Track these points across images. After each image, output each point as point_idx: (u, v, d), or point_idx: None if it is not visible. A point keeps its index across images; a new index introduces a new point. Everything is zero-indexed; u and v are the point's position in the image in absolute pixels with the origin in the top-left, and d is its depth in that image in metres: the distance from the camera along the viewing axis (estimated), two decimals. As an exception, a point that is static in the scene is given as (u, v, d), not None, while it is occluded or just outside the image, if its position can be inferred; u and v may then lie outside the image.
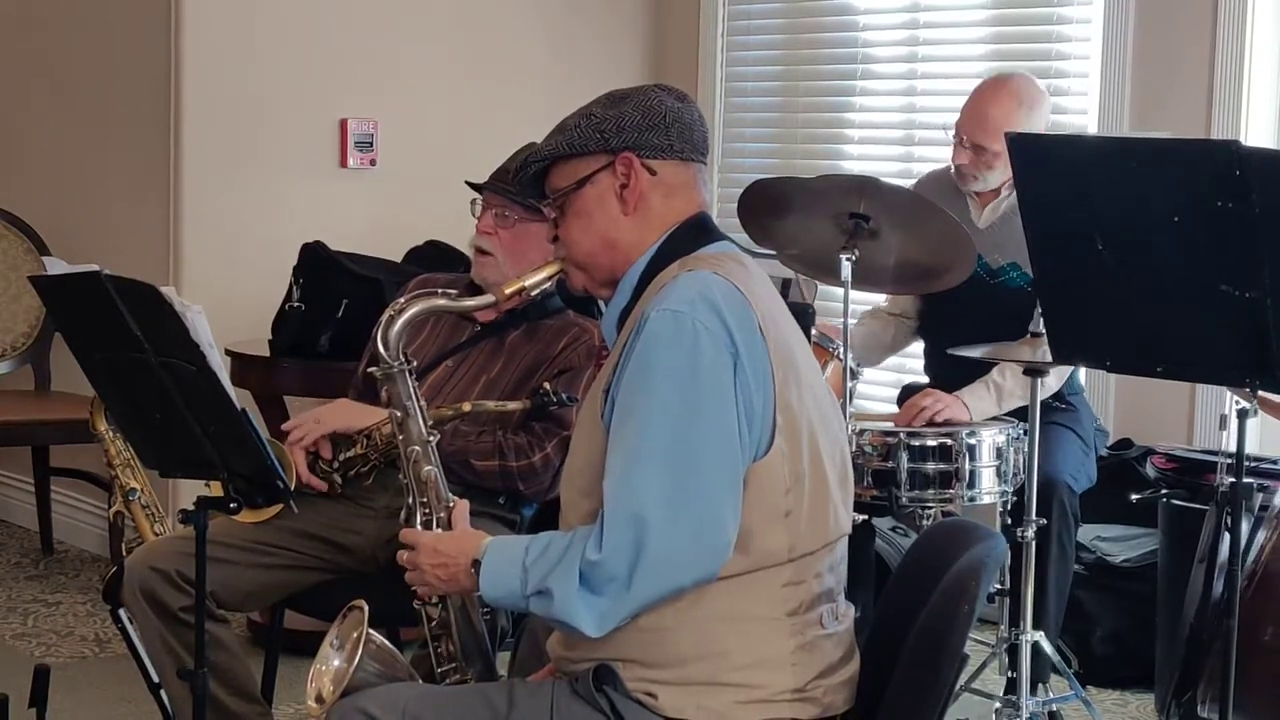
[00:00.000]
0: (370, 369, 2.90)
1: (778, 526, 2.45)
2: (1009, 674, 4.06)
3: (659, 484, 2.37)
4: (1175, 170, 2.62)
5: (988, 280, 4.39)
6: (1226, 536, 3.00)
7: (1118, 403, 5.04)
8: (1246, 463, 2.99)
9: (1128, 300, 2.75)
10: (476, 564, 2.53)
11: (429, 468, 2.78)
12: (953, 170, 4.46)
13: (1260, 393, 2.84)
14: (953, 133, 4.43)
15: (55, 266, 3.27)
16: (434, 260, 5.08)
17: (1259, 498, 3.35)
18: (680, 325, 2.41)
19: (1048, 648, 4.02)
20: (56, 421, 5.49)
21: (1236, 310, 2.61)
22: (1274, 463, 4.24)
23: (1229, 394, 2.98)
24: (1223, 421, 2.97)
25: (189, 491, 3.09)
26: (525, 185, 2.70)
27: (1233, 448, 2.84)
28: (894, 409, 4.69)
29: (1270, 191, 2.52)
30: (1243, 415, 2.79)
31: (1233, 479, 2.80)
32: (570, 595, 2.40)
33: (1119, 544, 4.84)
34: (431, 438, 2.82)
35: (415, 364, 2.84)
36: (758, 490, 2.43)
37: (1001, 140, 4.23)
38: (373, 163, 5.65)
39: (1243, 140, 4.59)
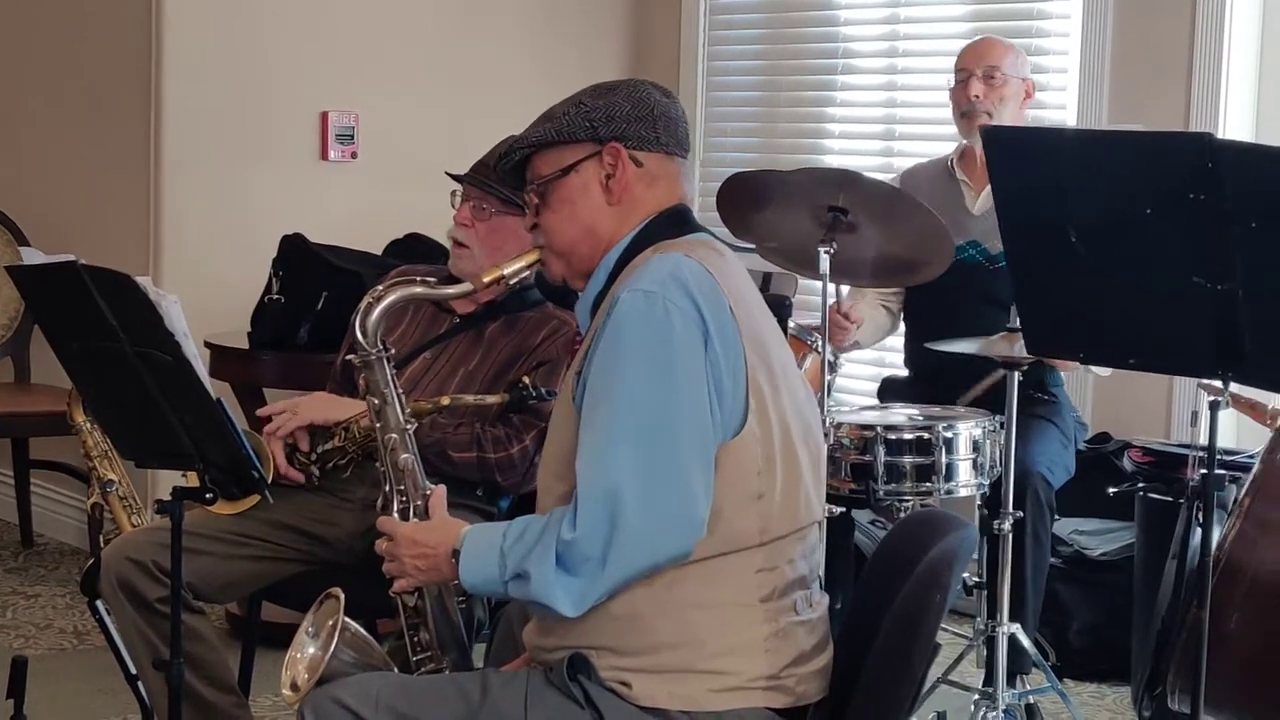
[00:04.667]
0: (349, 356, 2.91)
1: (749, 508, 2.46)
2: (986, 666, 4.07)
3: (632, 461, 2.38)
4: (1148, 163, 2.63)
5: (987, 266, 4.41)
6: (1198, 530, 3.01)
7: (1096, 397, 5.05)
8: (1220, 456, 3.01)
9: (1101, 292, 2.75)
10: (456, 553, 2.54)
11: (406, 455, 2.78)
12: (955, 116, 4.51)
13: (1233, 390, 2.86)
14: (952, 81, 4.53)
15: (32, 257, 3.27)
16: (414, 253, 5.08)
17: (1232, 490, 3.36)
18: (651, 305, 2.42)
19: (1024, 640, 4.03)
20: (36, 414, 5.48)
21: (1209, 302, 2.62)
22: (1249, 456, 4.25)
23: (1201, 390, 2.99)
24: (1194, 418, 2.98)
25: (167, 483, 3.09)
26: (507, 172, 2.70)
27: (1205, 441, 2.85)
28: (874, 402, 4.71)
29: (1242, 184, 2.52)
30: (1214, 407, 2.80)
31: (1204, 472, 2.81)
32: (547, 576, 2.41)
33: (1096, 537, 4.85)
34: (409, 425, 2.82)
35: (393, 351, 2.85)
36: (729, 471, 2.44)
37: (1010, 60, 4.42)
38: (354, 155, 5.65)
39: (1221, 133, 4.62)
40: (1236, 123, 4.85)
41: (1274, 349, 2.62)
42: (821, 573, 3.65)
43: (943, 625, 4.47)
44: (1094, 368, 4.45)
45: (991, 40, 4.65)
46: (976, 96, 4.47)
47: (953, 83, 4.59)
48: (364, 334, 2.78)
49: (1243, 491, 3.31)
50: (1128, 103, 4.99)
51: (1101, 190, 2.68)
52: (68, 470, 5.73)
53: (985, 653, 4.09)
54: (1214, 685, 3.17)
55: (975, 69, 4.50)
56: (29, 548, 5.86)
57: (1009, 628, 3.97)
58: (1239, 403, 3.56)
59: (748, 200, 4.03)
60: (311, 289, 4.86)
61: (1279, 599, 3.19)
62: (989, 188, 4.39)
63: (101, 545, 3.66)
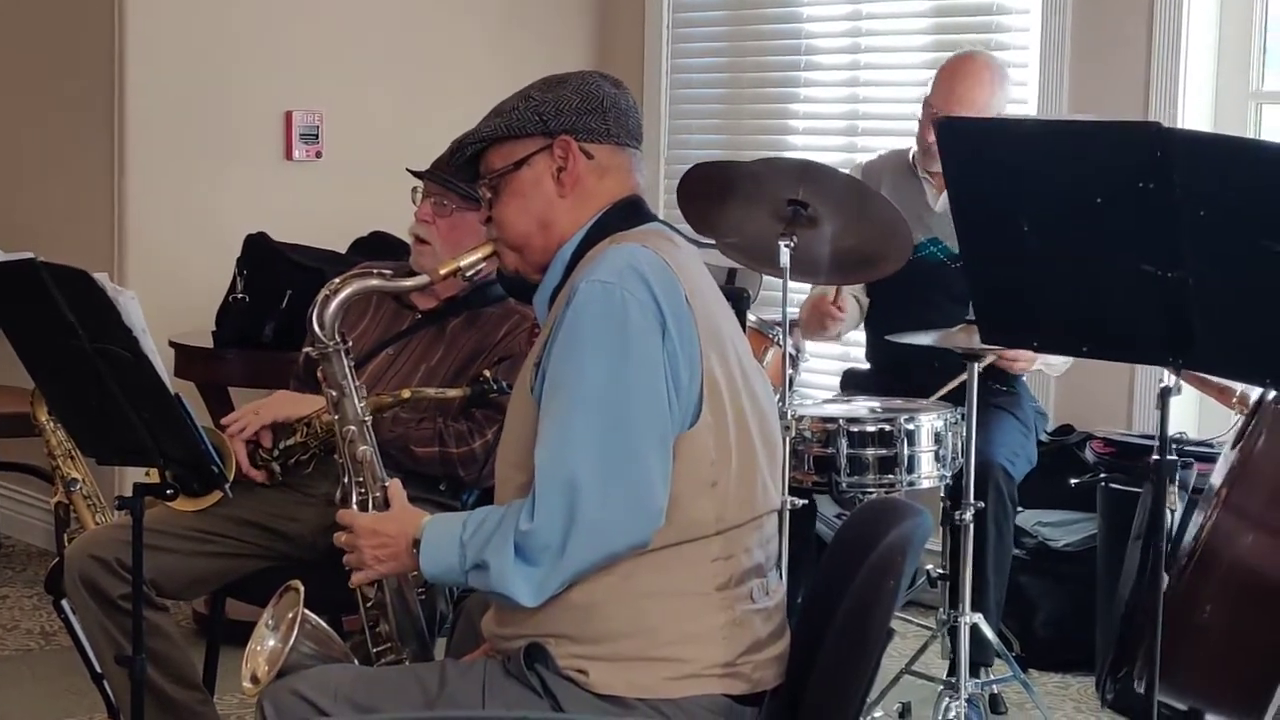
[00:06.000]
0: (307, 349, 2.91)
1: (704, 497, 2.48)
2: (950, 657, 4.10)
3: (590, 450, 2.40)
4: (1098, 152, 2.65)
5: (948, 264, 4.42)
6: (1169, 514, 3.03)
7: (1058, 388, 5.08)
8: (1184, 445, 3.05)
9: (1053, 281, 2.77)
10: (417, 543, 2.55)
11: (364, 447, 2.79)
12: (915, 152, 4.51)
13: (1202, 375, 2.88)
14: (920, 112, 4.49)
15: (-9, 255, 3.27)
16: (378, 250, 5.09)
17: (1190, 475, 3.39)
18: (609, 295, 2.44)
19: (987, 630, 4.05)
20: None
21: (1159, 290, 2.64)
22: (1210, 445, 4.28)
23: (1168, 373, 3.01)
24: (1162, 395, 2.99)
25: (132, 480, 3.10)
26: (461, 167, 2.72)
27: (1170, 428, 2.88)
28: (837, 394, 4.73)
29: (1191, 173, 2.55)
30: (1166, 393, 2.82)
31: (1156, 458, 2.83)
32: (506, 567, 2.42)
33: (1060, 529, 4.88)
34: (367, 418, 2.83)
35: (350, 344, 2.86)
36: (685, 461, 2.45)
37: (984, 101, 4.34)
38: (318, 155, 5.65)
39: (1180, 124, 4.65)
40: (1194, 114, 4.88)
41: (1223, 335, 2.65)
42: (784, 563, 3.72)
43: (906, 616, 4.58)
44: (1046, 370, 4.47)
45: (960, 83, 4.44)
46: (934, 143, 4.31)
47: (920, 109, 4.54)
48: (321, 326, 2.79)
49: (1220, 482, 3.32)
50: (1087, 95, 5.02)
51: (1053, 180, 2.70)
52: (32, 471, 5.70)
53: (949, 643, 4.11)
54: (1185, 674, 3.20)
55: (936, 111, 4.38)
56: (-4, 549, 5.86)
57: (971, 618, 4.00)
58: (1207, 386, 3.58)
59: (709, 193, 4.03)
60: (275, 287, 4.86)
61: (1253, 590, 3.20)
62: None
63: (66, 544, 3.67)
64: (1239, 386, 3.65)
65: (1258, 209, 2.52)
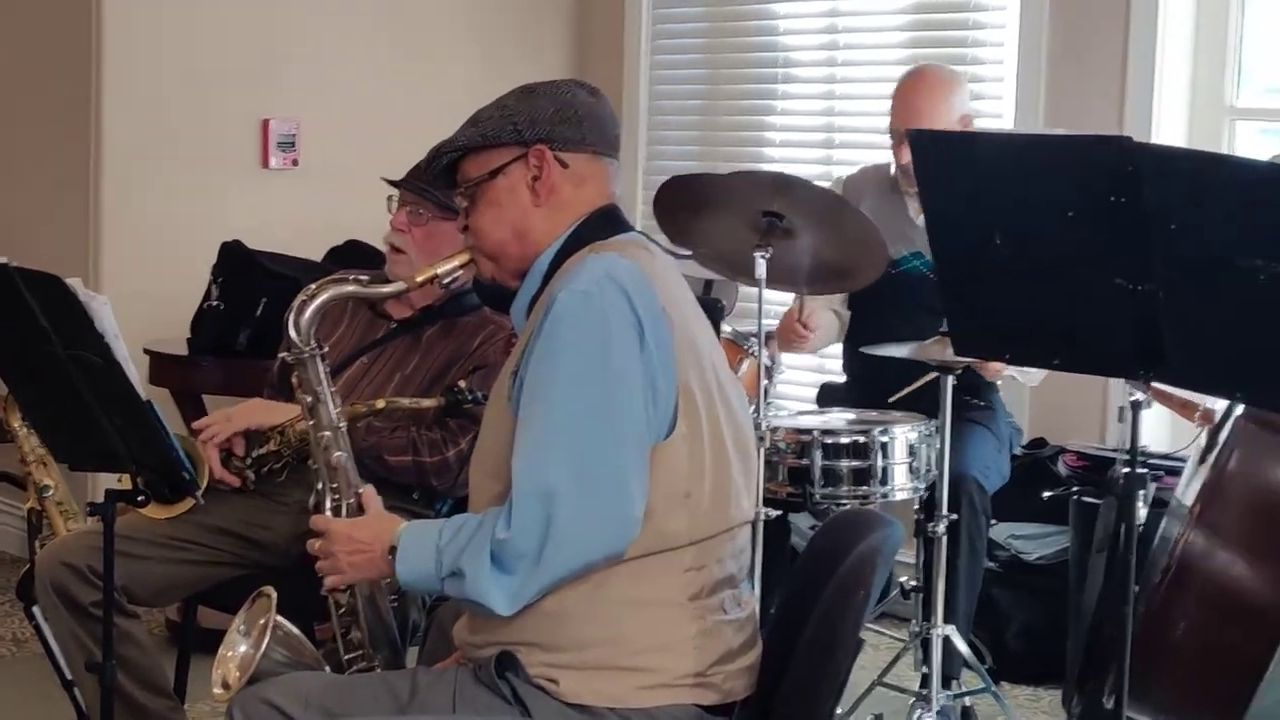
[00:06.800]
0: (282, 354, 2.92)
1: (678, 508, 2.48)
2: (922, 669, 4.11)
3: (567, 459, 2.40)
4: (1070, 166, 2.65)
5: (930, 277, 4.41)
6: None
7: (1032, 403, 5.09)
8: (1149, 459, 3.06)
9: (1025, 294, 2.78)
10: (393, 550, 2.55)
11: (339, 453, 2.79)
12: (896, 170, 4.52)
13: (1166, 388, 2.89)
14: (890, 137, 4.51)
15: (-36, 261, 3.26)
16: (354, 259, 5.08)
17: (1150, 489, 3.39)
18: (588, 304, 2.44)
19: (959, 642, 4.06)
20: (-28, 422, 5.45)
21: (1130, 303, 2.64)
22: (1180, 460, 4.29)
23: (1126, 388, 3.02)
24: (1121, 414, 3.00)
25: (105, 486, 3.10)
26: (437, 175, 2.72)
27: (1130, 442, 2.89)
28: (813, 407, 4.74)
29: (1162, 187, 2.55)
30: (1136, 406, 2.83)
31: (1126, 470, 2.84)
32: (481, 575, 2.42)
33: (1033, 542, 4.89)
34: (342, 423, 2.83)
35: (326, 350, 2.86)
36: (659, 471, 2.46)
37: (939, 113, 4.35)
38: (295, 163, 5.65)
39: (1155, 140, 4.68)
40: (1170, 129, 4.90)
41: (1193, 349, 2.66)
42: (757, 574, 3.73)
43: (879, 628, 4.59)
44: (1021, 377, 4.49)
45: (921, 94, 4.47)
46: (907, 163, 4.36)
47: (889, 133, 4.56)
48: (297, 331, 2.79)
49: (1192, 498, 3.33)
50: (1063, 110, 5.04)
51: (1025, 193, 2.70)
52: (5, 478, 5.68)
53: (921, 655, 4.12)
54: (1157, 690, 3.21)
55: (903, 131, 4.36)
56: (-33, 556, 5.84)
57: (944, 630, 4.01)
58: (1170, 400, 3.59)
59: (685, 204, 4.05)
60: (251, 295, 4.87)
61: (1227, 608, 3.20)
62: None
63: (38, 551, 3.66)
64: (1202, 401, 3.66)
65: (1228, 224, 2.53)
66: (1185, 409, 3.67)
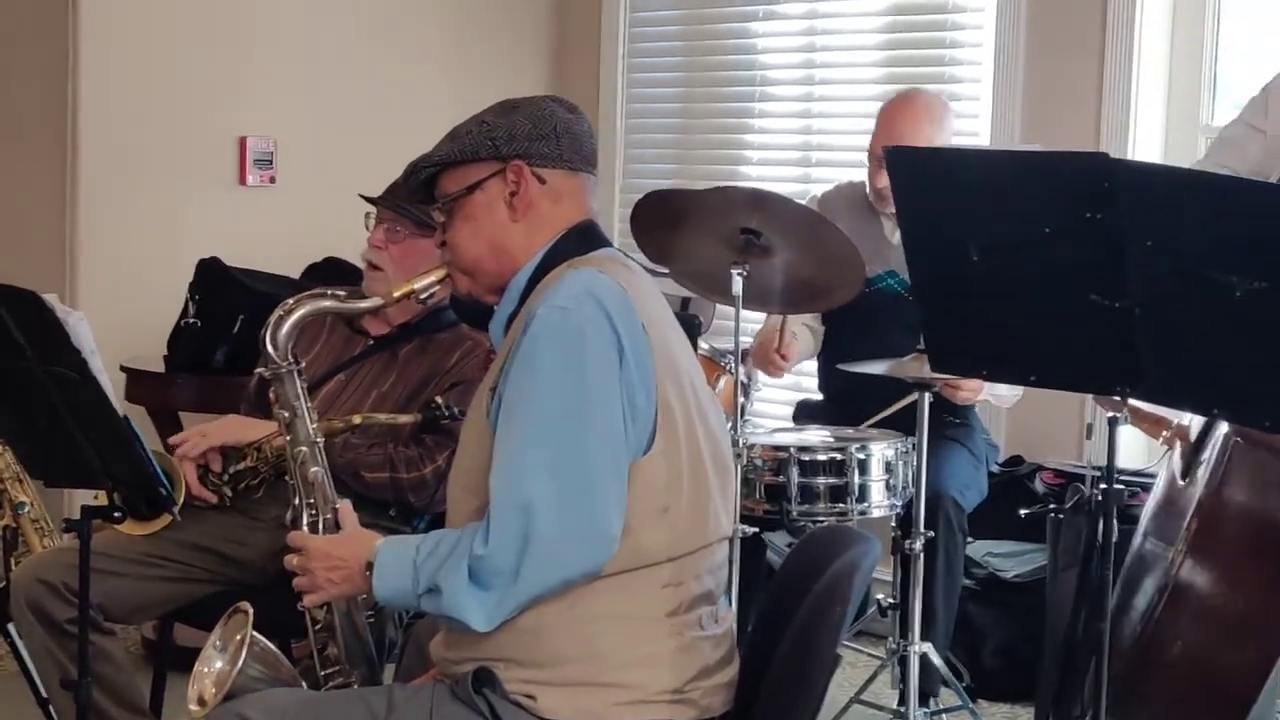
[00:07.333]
0: (259, 369, 2.91)
1: (657, 523, 2.48)
2: (900, 686, 4.11)
3: (545, 476, 2.40)
4: (1047, 182, 2.67)
5: (905, 296, 4.42)
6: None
7: (1009, 420, 5.10)
8: (1120, 476, 3.03)
9: (1002, 310, 2.79)
10: (370, 566, 2.54)
11: (315, 469, 2.79)
12: (870, 192, 4.53)
13: (1132, 402, 2.90)
14: (867, 157, 4.51)
15: (-60, 276, 3.25)
16: (332, 276, 5.08)
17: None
18: (566, 321, 2.44)
19: (936, 659, 4.06)
20: (-52, 439, 5.42)
21: (1107, 320, 2.66)
22: (1150, 476, 4.29)
23: (1095, 405, 3.03)
24: (1088, 430, 3.01)
25: (80, 504, 3.09)
26: (415, 190, 2.72)
27: (1101, 458, 2.90)
28: (789, 424, 4.75)
29: (1138, 203, 2.57)
30: (1113, 422, 2.84)
31: (1104, 486, 2.85)
32: (459, 591, 2.42)
33: (1010, 559, 4.90)
34: (319, 439, 2.82)
35: (304, 365, 2.85)
36: (637, 487, 2.46)
37: (923, 140, 4.33)
38: (272, 180, 5.64)
39: (1130, 155, 4.70)
40: (1146, 146, 4.93)
41: (1170, 365, 2.67)
42: (735, 591, 3.72)
43: (857, 646, 4.59)
44: (995, 401, 4.49)
45: (901, 126, 4.47)
46: (883, 187, 4.41)
47: (867, 155, 4.57)
48: (274, 346, 2.79)
49: (1189, 514, 3.33)
50: (1040, 128, 5.06)
51: (1002, 209, 2.72)
52: (-20, 496, 5.68)
53: (898, 672, 4.12)
54: (1149, 710, 3.21)
55: (882, 159, 4.36)
56: (-58, 575, 5.80)
57: (920, 647, 4.01)
58: (1140, 418, 3.60)
59: (663, 220, 4.04)
60: (228, 312, 4.86)
61: (1223, 628, 3.21)
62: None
63: (13, 568, 3.65)
64: (1176, 418, 3.67)
65: (1203, 240, 2.54)
66: (1155, 426, 3.67)
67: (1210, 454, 3.30)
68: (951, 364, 3.11)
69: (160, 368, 4.98)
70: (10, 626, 3.53)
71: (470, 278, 2.67)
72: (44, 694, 3.52)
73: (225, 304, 4.87)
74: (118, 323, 4.98)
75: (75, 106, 5.32)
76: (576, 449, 2.42)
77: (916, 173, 2.82)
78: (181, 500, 3.42)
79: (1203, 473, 3.35)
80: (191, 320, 4.91)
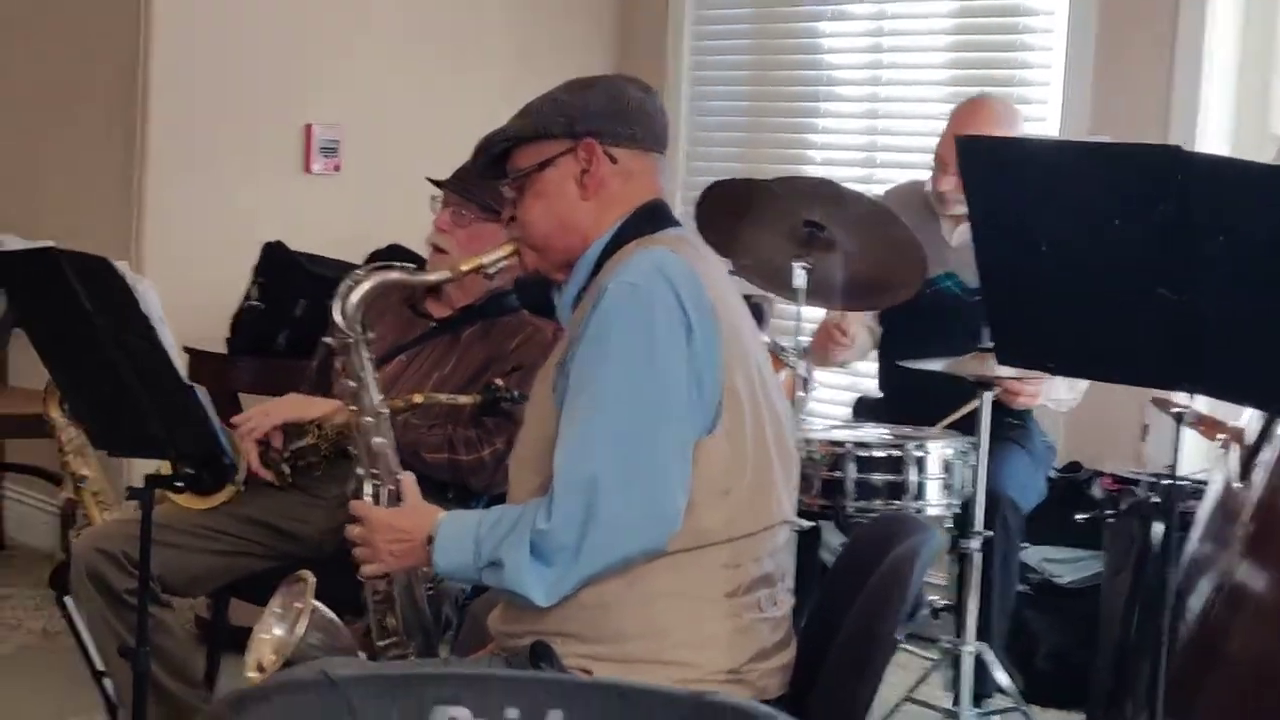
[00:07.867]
0: (325, 339, 2.91)
1: (717, 504, 2.48)
2: (952, 687, 4.08)
3: (611, 452, 2.40)
4: (1116, 173, 2.65)
5: (964, 299, 4.41)
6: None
7: (1068, 426, 5.07)
8: (1177, 480, 3.01)
9: (1069, 302, 2.77)
10: (431, 539, 2.55)
11: (380, 439, 2.78)
12: (932, 193, 4.52)
13: (1196, 401, 2.87)
14: (933, 159, 4.50)
15: (10, 244, 3.29)
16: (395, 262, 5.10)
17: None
18: (636, 297, 2.45)
19: (990, 660, 4.04)
20: (12, 416, 5.45)
21: (1173, 314, 2.63)
22: (1202, 483, 4.26)
23: (1153, 408, 2.99)
24: (1143, 432, 2.98)
25: (142, 477, 3.10)
26: (487, 166, 2.72)
27: (1157, 461, 2.87)
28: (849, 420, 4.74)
29: (1209, 197, 2.54)
30: (1179, 419, 2.82)
31: (1166, 483, 2.83)
32: (521, 565, 2.42)
33: (1066, 565, 4.86)
34: (384, 410, 2.82)
35: (372, 336, 2.85)
36: (700, 466, 2.46)
37: None
38: (337, 168, 5.67)
39: (1198, 148, 4.66)
40: (1214, 139, 4.89)
41: (1234, 361, 2.65)
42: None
43: (909, 647, 4.56)
44: (1053, 405, 4.46)
45: (977, 124, 4.43)
46: (945, 191, 4.42)
47: (933, 158, 4.56)
48: (343, 316, 2.79)
49: (1248, 515, 3.30)
50: (1108, 125, 5.02)
51: (1071, 200, 2.70)
52: (41, 474, 5.71)
53: (951, 673, 4.10)
54: (1208, 709, 3.19)
55: (948, 163, 4.38)
56: (1, 550, 5.84)
57: (975, 647, 3.99)
58: (1196, 419, 3.57)
59: (727, 210, 4.03)
60: (291, 296, 4.89)
61: None
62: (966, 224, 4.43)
63: (73, 541, 3.67)
64: (1232, 419, 3.63)
65: (1275, 235, 2.52)
66: (1211, 428, 3.64)
67: (1270, 455, 3.27)
68: (1017, 357, 3.08)
69: (222, 349, 5.00)
70: (67, 600, 3.54)
71: (539, 254, 2.68)
72: (99, 666, 3.53)
73: (289, 287, 4.89)
74: (182, 305, 4.94)
75: (146, 91, 5.36)
76: (641, 426, 2.42)
77: (988, 163, 2.81)
78: (242, 477, 3.44)
79: (1260, 475, 3.32)
80: (255, 303, 4.94)
